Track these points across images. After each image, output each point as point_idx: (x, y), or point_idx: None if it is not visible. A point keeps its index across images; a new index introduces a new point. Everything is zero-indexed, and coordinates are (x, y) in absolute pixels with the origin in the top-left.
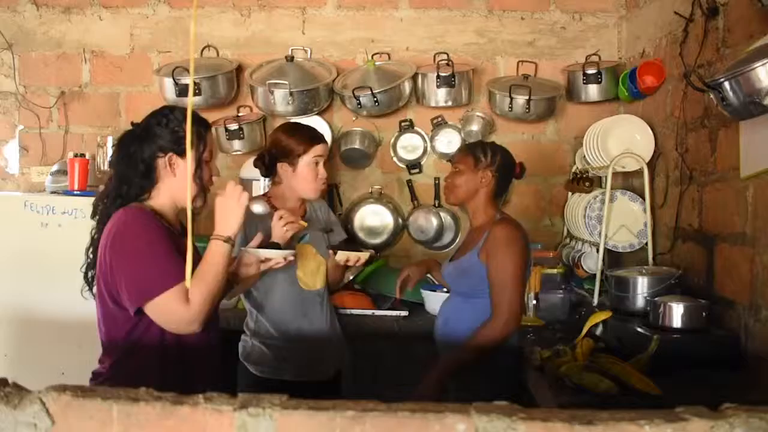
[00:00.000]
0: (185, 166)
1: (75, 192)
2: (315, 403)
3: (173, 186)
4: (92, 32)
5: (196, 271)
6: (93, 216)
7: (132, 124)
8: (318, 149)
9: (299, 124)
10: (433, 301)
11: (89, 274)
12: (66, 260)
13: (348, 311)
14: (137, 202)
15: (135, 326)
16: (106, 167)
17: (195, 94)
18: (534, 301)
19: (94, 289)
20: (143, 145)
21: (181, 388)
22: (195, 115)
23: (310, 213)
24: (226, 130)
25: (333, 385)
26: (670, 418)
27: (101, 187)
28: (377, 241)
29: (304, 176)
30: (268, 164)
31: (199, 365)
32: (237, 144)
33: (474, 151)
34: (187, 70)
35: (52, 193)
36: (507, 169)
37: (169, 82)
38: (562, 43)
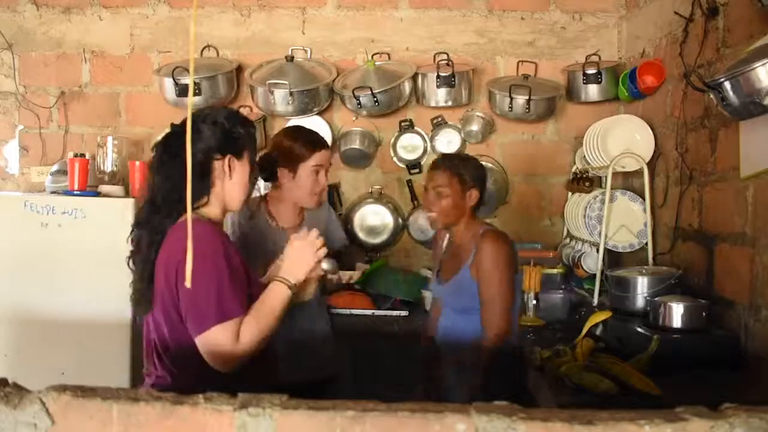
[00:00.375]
0: (242, 169)
1: (75, 192)
2: (315, 403)
3: (227, 190)
4: (92, 32)
5: (252, 309)
6: (140, 225)
7: (172, 125)
8: (320, 156)
9: (302, 128)
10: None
11: (143, 289)
12: (66, 260)
13: (348, 311)
14: (194, 213)
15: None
16: (106, 167)
17: (195, 94)
18: (534, 301)
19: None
20: (194, 147)
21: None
22: (241, 117)
23: (307, 220)
24: None
25: (329, 386)
26: (670, 418)
27: (103, 188)
28: (377, 241)
29: (302, 183)
30: (269, 168)
31: (262, 373)
32: None
33: (458, 171)
34: (187, 70)
35: (52, 193)
36: (484, 180)
37: (169, 82)
38: (562, 43)
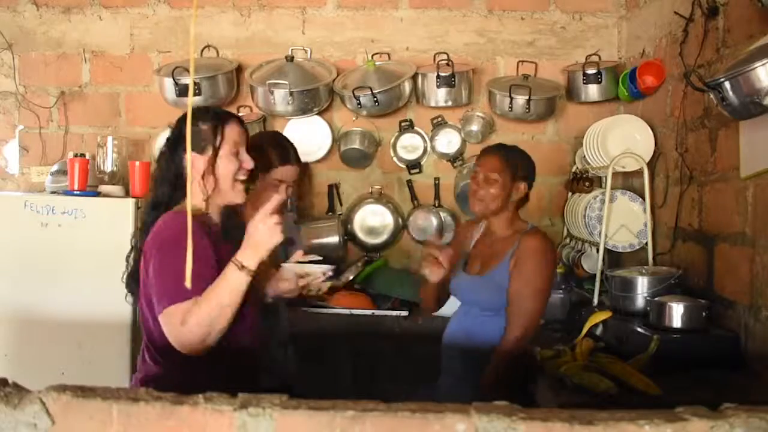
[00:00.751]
0: (206, 163)
1: (75, 192)
2: (315, 403)
3: (204, 185)
4: (92, 32)
5: (205, 293)
6: (139, 229)
7: (167, 139)
8: (280, 173)
9: (278, 137)
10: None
11: (131, 281)
12: (66, 260)
13: (348, 311)
14: (178, 206)
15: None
16: (106, 167)
17: (195, 94)
18: None
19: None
20: (174, 150)
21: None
22: (210, 110)
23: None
24: None
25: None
26: (670, 418)
27: (103, 188)
28: (377, 241)
29: (264, 195)
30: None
31: (250, 366)
32: None
33: (512, 160)
34: (187, 70)
35: (52, 193)
36: (533, 177)
37: (169, 82)
38: (562, 43)
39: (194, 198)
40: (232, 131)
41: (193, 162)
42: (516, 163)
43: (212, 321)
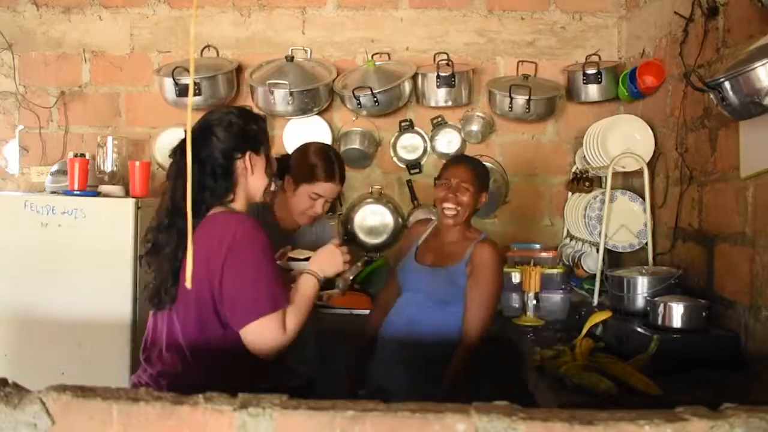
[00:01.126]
0: (261, 163)
1: (75, 192)
2: (315, 403)
3: (250, 185)
4: (92, 32)
5: (295, 301)
6: (161, 229)
7: (185, 132)
8: (322, 188)
9: (331, 152)
10: None
11: (168, 286)
12: (66, 260)
13: (348, 311)
14: (224, 206)
15: (223, 335)
16: (106, 167)
17: (195, 94)
18: (534, 301)
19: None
20: (213, 151)
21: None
22: (253, 113)
23: (303, 228)
24: None
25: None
26: (670, 418)
27: (103, 188)
28: (377, 241)
29: (296, 201)
30: (280, 167)
31: (269, 371)
32: None
33: (481, 174)
34: (187, 70)
35: (52, 193)
36: (489, 188)
37: (169, 82)
38: (562, 43)
39: (240, 199)
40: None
41: (252, 161)
42: (483, 175)
43: (303, 325)
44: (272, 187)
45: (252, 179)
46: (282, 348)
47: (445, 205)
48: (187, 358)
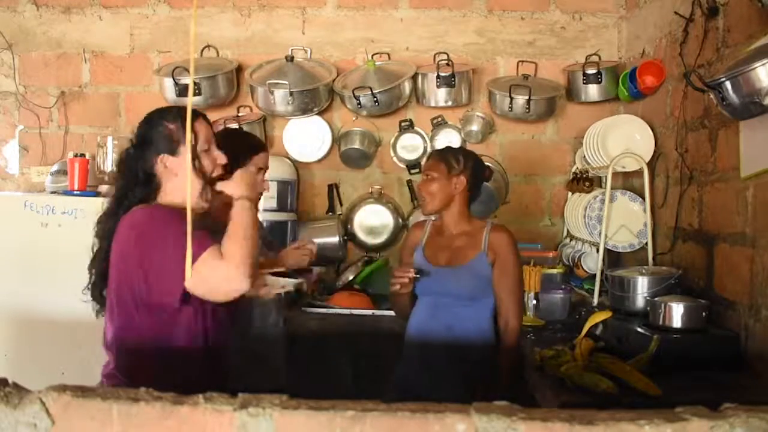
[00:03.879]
0: (180, 162)
1: (75, 192)
2: (315, 403)
3: (178, 185)
4: (92, 32)
5: (227, 232)
6: (97, 236)
7: (130, 140)
8: (259, 159)
9: (238, 132)
10: None
11: (97, 292)
12: (66, 260)
13: (348, 311)
14: (144, 204)
15: (156, 331)
16: (106, 167)
17: (195, 94)
18: (534, 301)
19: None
20: (142, 155)
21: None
22: (180, 109)
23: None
24: None
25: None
26: (670, 418)
27: (102, 188)
28: (377, 241)
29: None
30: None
31: (214, 369)
32: None
33: (446, 157)
34: (187, 70)
35: (52, 193)
36: (478, 173)
37: (169, 82)
38: (562, 43)
39: (167, 198)
40: (202, 128)
41: (168, 163)
42: (450, 160)
43: (249, 249)
44: (206, 196)
45: (178, 180)
46: (238, 275)
47: (418, 200)
48: (118, 355)
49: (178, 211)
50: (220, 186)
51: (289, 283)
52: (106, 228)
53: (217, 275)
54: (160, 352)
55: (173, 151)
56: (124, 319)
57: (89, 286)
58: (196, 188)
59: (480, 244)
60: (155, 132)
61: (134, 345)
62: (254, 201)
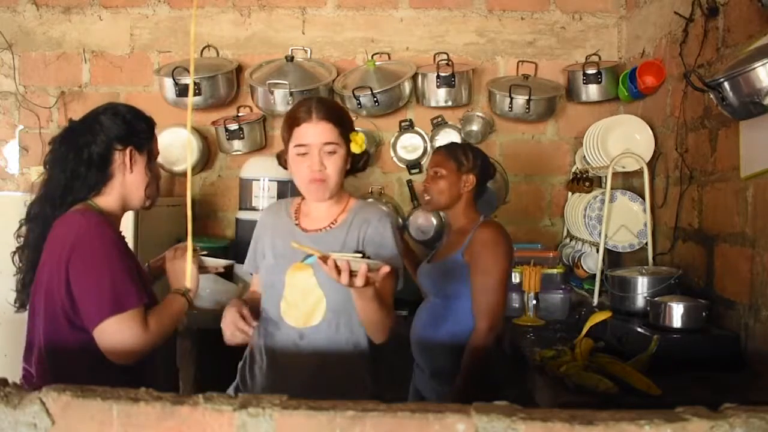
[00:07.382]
0: (143, 162)
1: None
2: (315, 403)
3: (127, 183)
4: (92, 32)
5: (156, 308)
6: (29, 220)
7: (70, 121)
8: (299, 134)
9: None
10: None
11: (23, 290)
12: None
13: None
14: (84, 203)
15: (76, 340)
16: None
17: (195, 94)
18: (534, 301)
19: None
20: (94, 138)
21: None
22: (142, 113)
23: (348, 218)
24: (226, 130)
25: None
26: (670, 418)
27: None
28: None
29: (292, 170)
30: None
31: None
32: (237, 144)
33: (455, 154)
34: (187, 70)
35: None
36: (486, 171)
37: (169, 82)
38: (562, 43)
39: (111, 197)
40: (153, 140)
41: (133, 158)
42: (460, 157)
43: (166, 330)
44: (148, 203)
45: (130, 177)
46: (147, 346)
47: (421, 196)
48: (43, 363)
49: (114, 228)
50: (169, 275)
51: (221, 264)
52: (47, 218)
53: (133, 337)
54: (91, 365)
55: (141, 148)
56: (50, 323)
57: (17, 283)
58: (142, 188)
59: (462, 243)
60: (123, 122)
61: (63, 357)
62: (191, 294)
